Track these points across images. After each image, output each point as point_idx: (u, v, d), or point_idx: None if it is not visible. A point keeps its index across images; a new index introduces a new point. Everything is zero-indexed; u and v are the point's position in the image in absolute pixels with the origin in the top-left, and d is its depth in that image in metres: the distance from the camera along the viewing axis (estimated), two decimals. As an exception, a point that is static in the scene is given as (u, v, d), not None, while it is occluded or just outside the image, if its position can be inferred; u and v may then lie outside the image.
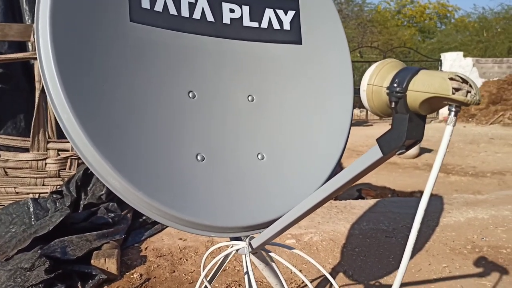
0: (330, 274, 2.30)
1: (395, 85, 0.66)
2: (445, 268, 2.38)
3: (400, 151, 0.71)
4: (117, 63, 1.16)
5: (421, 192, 4.99)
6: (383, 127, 12.19)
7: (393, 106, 0.68)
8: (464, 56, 15.79)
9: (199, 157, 1.22)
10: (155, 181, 1.12)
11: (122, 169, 1.07)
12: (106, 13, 1.17)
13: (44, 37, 1.06)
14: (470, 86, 0.60)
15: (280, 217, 1.22)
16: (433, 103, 0.65)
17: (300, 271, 2.34)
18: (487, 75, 15.17)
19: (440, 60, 15.87)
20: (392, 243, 2.74)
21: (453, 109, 0.62)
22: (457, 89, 0.60)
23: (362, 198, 4.28)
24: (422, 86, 0.63)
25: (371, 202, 3.62)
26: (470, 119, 13.06)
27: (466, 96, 0.60)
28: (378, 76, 0.70)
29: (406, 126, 0.67)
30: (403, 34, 25.90)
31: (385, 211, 3.36)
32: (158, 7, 1.26)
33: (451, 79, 0.61)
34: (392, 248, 2.66)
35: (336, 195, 0.93)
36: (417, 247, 2.68)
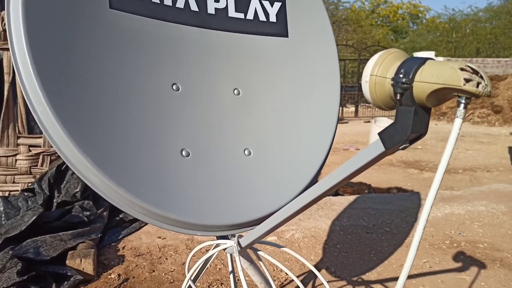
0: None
1: (401, 75, 0.63)
2: (425, 263, 2.41)
3: (403, 145, 0.68)
4: (96, 52, 1.09)
5: (397, 188, 5.06)
6: (358, 124, 12.34)
7: (398, 98, 0.64)
8: (436, 55, 16.16)
9: (183, 153, 1.16)
10: (137, 177, 1.06)
11: (102, 164, 1.00)
12: (85, -1, 1.10)
13: (17, 23, 0.98)
14: (481, 77, 0.58)
15: (268, 214, 1.18)
16: (441, 95, 0.62)
17: (281, 270, 2.32)
18: (458, 74, 15.55)
19: (413, 59, 16.14)
20: (372, 239, 2.75)
21: (463, 101, 0.59)
22: (467, 80, 0.58)
23: (340, 194, 4.30)
24: (430, 76, 0.60)
25: (350, 198, 3.64)
26: (441, 117, 13.39)
27: (477, 87, 0.57)
28: (382, 67, 0.67)
29: (411, 119, 0.64)
30: (376, 33, 26.31)
31: (364, 207, 3.37)
32: (140, -6, 1.20)
33: (461, 69, 0.58)
34: (373, 244, 2.66)
35: (332, 192, 0.90)
36: (397, 243, 2.70)
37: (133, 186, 1.04)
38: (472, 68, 0.58)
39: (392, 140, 0.67)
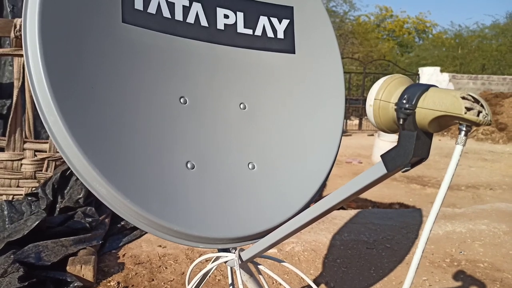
0: (312, 285, 2.28)
1: (404, 101, 0.65)
2: (425, 281, 2.40)
3: (405, 168, 0.70)
4: (107, 65, 1.12)
5: (399, 204, 5.04)
6: (361, 137, 12.35)
7: (401, 122, 0.66)
8: (441, 71, 16.19)
9: (189, 165, 1.18)
10: (143, 189, 1.08)
11: (109, 175, 1.02)
12: (98, 12, 1.13)
13: (32, 35, 1.01)
14: (482, 106, 0.60)
15: (270, 228, 1.20)
16: (443, 122, 0.64)
17: (280, 284, 2.32)
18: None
19: (418, 74, 16.23)
20: (373, 254, 2.75)
21: (464, 129, 0.61)
22: (468, 109, 0.59)
23: (343, 208, 4.29)
24: (433, 103, 0.62)
25: (352, 212, 3.63)
26: (445, 133, 13.37)
27: (478, 116, 0.59)
28: (386, 91, 0.69)
29: (413, 144, 0.66)
30: (382, 47, 26.42)
31: (366, 222, 3.37)
32: (152, 9, 1.23)
33: (463, 98, 0.60)
34: (373, 260, 2.66)
35: (336, 209, 0.92)
36: (397, 260, 2.69)
37: (138, 197, 1.06)
38: (473, 97, 0.60)
39: (394, 163, 0.69)
